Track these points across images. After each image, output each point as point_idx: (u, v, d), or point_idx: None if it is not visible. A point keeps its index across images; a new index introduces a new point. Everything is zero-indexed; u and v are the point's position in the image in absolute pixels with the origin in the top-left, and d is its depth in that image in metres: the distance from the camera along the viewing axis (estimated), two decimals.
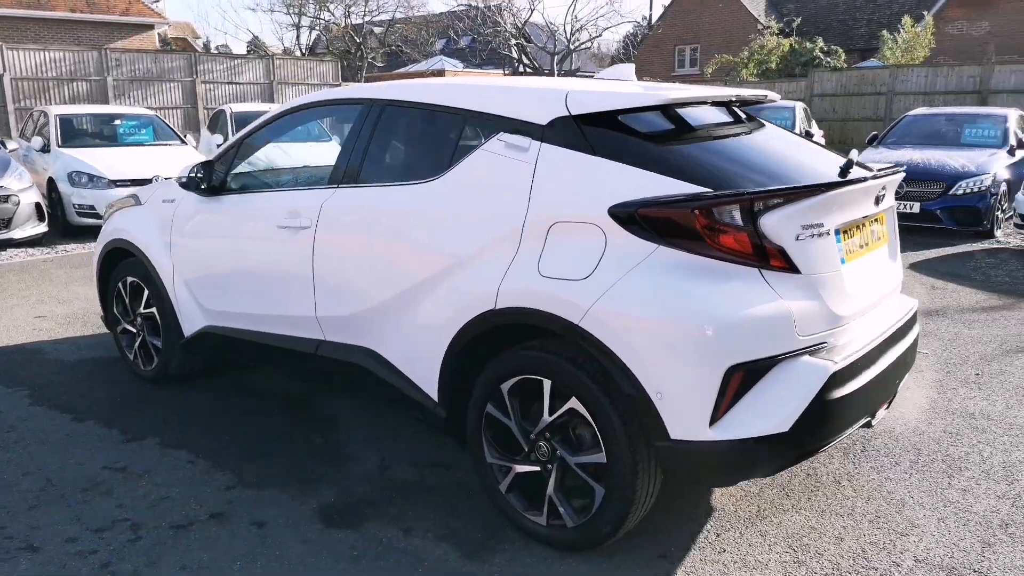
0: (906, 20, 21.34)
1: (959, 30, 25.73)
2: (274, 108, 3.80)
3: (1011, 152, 9.94)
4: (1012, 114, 10.75)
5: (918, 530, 2.85)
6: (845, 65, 21.13)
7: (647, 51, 30.41)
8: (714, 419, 2.34)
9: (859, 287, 2.68)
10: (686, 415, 2.35)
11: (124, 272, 4.39)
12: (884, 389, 2.77)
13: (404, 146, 3.30)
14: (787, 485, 3.18)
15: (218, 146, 11.77)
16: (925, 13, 22.28)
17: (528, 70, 27.55)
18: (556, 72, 26.77)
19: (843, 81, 20.15)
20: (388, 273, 3.06)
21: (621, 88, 2.89)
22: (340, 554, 2.74)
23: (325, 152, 5.27)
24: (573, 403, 2.56)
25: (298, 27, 29.30)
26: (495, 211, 2.74)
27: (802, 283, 2.44)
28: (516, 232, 2.66)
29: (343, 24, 26.93)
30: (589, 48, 29.17)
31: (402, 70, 31.23)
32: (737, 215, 2.36)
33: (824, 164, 2.86)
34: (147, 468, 3.40)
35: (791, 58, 20.89)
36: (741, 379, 2.35)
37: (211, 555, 2.74)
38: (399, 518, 2.98)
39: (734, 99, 3.06)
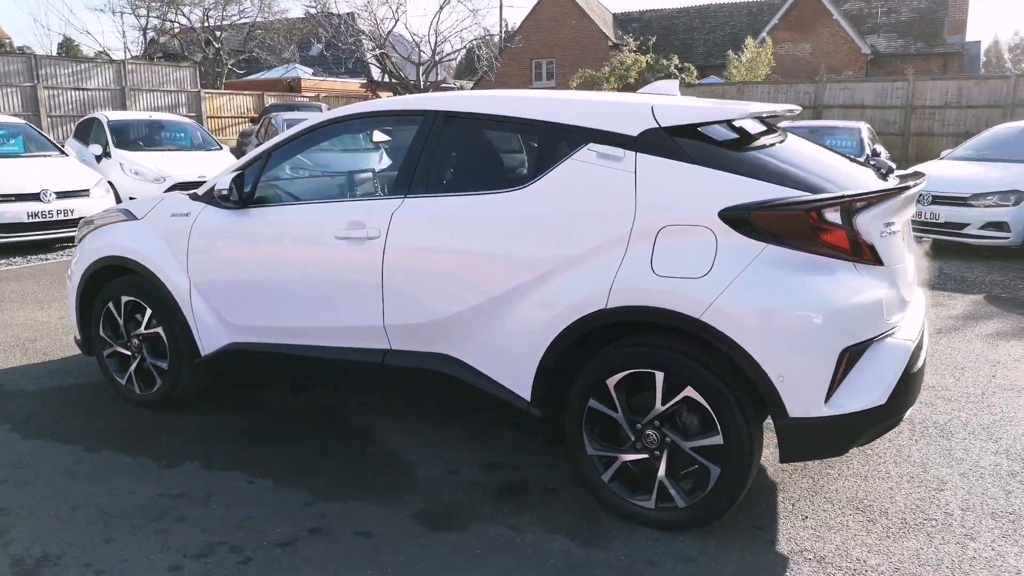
0: (749, 41, 23.36)
1: (786, 51, 28.32)
2: (314, 118, 3.73)
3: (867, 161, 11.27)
4: (864, 127, 12.26)
5: (949, 485, 3.31)
6: (698, 81, 22.79)
7: (506, 64, 31.17)
8: (828, 397, 2.65)
9: (910, 276, 3.10)
10: (805, 395, 2.64)
11: (117, 292, 4.13)
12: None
13: (478, 156, 3.39)
14: (839, 465, 3.57)
15: (98, 157, 11.00)
16: (765, 35, 24.44)
17: (394, 81, 27.43)
18: (423, 84, 26.85)
19: (696, 96, 21.68)
20: (475, 279, 3.15)
21: (696, 102, 3.16)
22: (467, 554, 2.81)
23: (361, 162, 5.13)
24: (688, 391, 2.78)
25: (144, 30, 27.52)
26: (599, 216, 2.92)
27: (884, 274, 2.80)
28: (624, 236, 2.85)
29: (200, 26, 25.61)
30: (454, 60, 29.47)
31: (257, 76, 30.11)
32: (838, 216, 2.69)
33: (860, 170, 3.26)
34: (207, 492, 3.26)
35: (649, 74, 22.24)
36: (848, 360, 2.67)
37: (336, 567, 2.72)
38: (498, 517, 3.07)
39: (788, 112, 3.41)
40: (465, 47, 27.28)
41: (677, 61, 22.14)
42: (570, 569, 2.71)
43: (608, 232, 2.89)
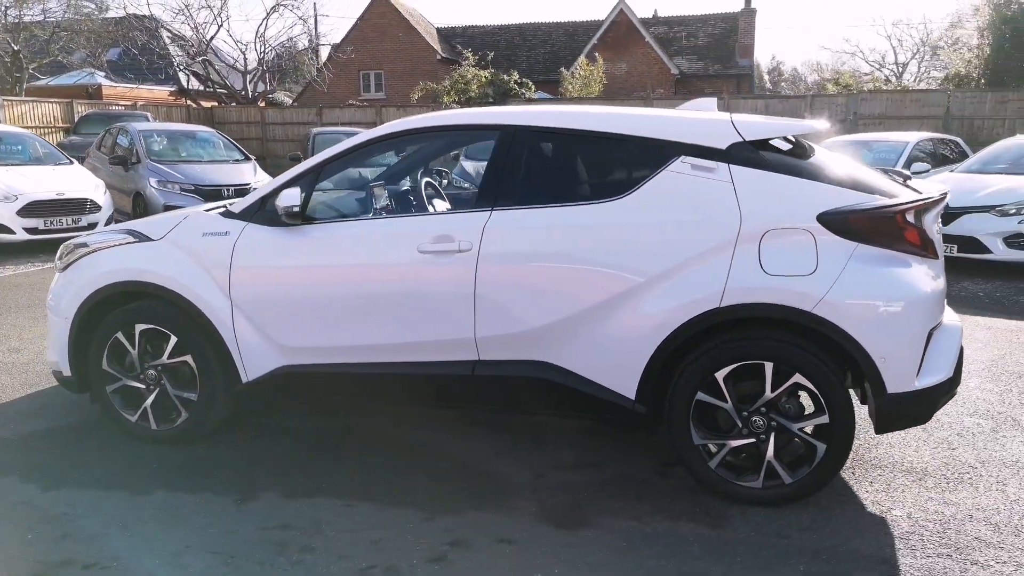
0: (582, 60, 24.69)
1: (606, 70, 30.14)
2: (372, 131, 3.63)
3: None
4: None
5: (956, 445, 3.89)
6: (545, 95, 23.73)
7: (336, 74, 30.54)
8: (918, 373, 3.08)
9: None
10: (901, 373, 3.06)
11: (129, 319, 3.77)
12: None
13: (565, 169, 3.51)
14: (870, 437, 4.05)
15: None
16: (585, 55, 25.89)
17: (218, 89, 25.94)
18: (250, 93, 25.64)
19: None
20: (576, 288, 3.28)
21: (762, 118, 3.50)
22: (614, 547, 2.94)
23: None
24: (797, 378, 3.10)
25: None
26: (704, 223, 3.17)
27: (938, 266, 3.30)
28: (731, 240, 3.13)
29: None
30: (285, 69, 28.37)
31: (48, 82, 27.14)
32: (914, 217, 3.14)
33: (888, 178, 3.71)
34: (312, 520, 3.12)
35: (489, 88, 22.82)
36: (928, 339, 3.13)
37: (500, 573, 2.74)
38: (616, 512, 3.21)
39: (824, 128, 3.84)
40: (292, 54, 26.37)
41: (517, 77, 22.91)
42: (716, 550, 2.92)
43: (715, 237, 3.15)
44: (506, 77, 22.62)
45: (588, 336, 3.30)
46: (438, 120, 3.68)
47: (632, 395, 3.28)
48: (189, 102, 25.50)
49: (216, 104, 25.77)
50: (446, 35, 35.63)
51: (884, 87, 24.39)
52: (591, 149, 3.47)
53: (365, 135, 3.67)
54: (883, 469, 3.61)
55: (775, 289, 3.07)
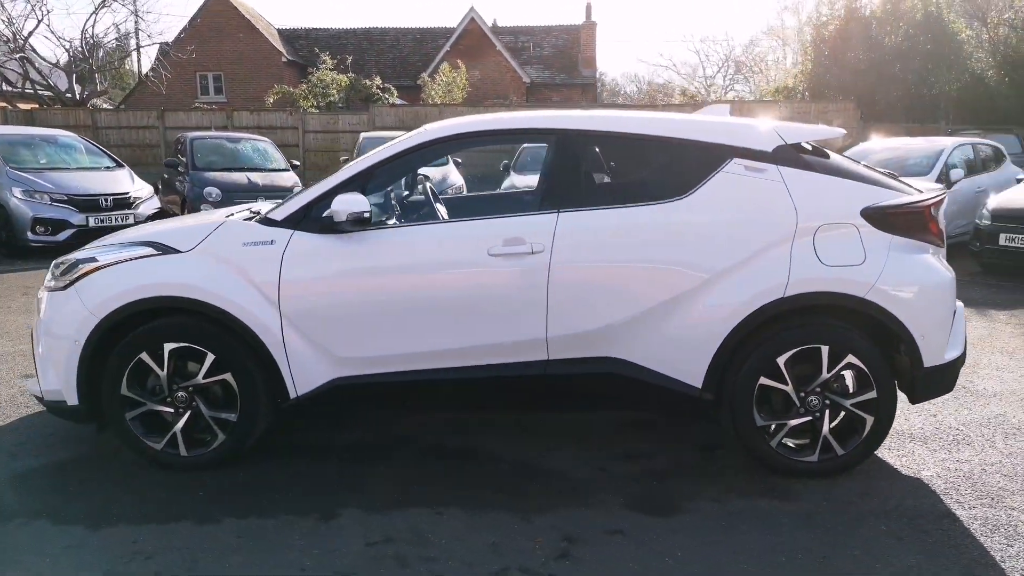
0: (445, 67, 24.74)
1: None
2: (423, 134, 3.55)
3: None
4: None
5: (942, 411, 4.41)
6: (400, 101, 23.50)
7: (172, 75, 28.57)
8: (947, 347, 3.50)
9: None
10: (935, 347, 3.46)
11: (156, 338, 3.47)
12: None
13: (624, 171, 3.63)
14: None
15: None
16: (459, 62, 26.01)
17: (42, 91, 23.48)
18: (78, 94, 23.45)
19: (401, 116, 22.36)
20: (645, 285, 3.42)
21: (799, 124, 3.79)
22: (716, 527, 3.11)
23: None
24: (850, 358, 3.43)
25: None
26: (764, 220, 3.42)
27: (943, 253, 3.75)
28: (789, 235, 3.40)
29: None
30: (119, 68, 26.14)
31: None
32: (935, 211, 3.56)
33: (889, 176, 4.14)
34: (412, 531, 3.05)
35: (351, 93, 22.36)
36: (953, 318, 3.56)
37: (635, 563, 2.84)
38: (695, 496, 3.38)
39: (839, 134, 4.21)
40: (128, 53, 24.42)
41: (380, 82, 22.58)
42: (804, 521, 3.17)
43: (775, 233, 3.41)
44: (368, 82, 22.25)
45: (657, 330, 3.45)
46: (494, 123, 3.70)
47: (699, 383, 3.47)
48: (4, 104, 22.91)
49: (36, 107, 23.35)
50: (289, 37, 34.41)
51: (724, 98, 26.37)
52: (647, 152, 3.63)
53: (415, 138, 3.61)
54: (892, 438, 4.03)
55: (833, 279, 3.37)
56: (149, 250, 3.55)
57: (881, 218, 3.44)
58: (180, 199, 11.54)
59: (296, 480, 3.52)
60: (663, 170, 3.62)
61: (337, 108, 22.11)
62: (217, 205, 10.10)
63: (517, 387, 3.57)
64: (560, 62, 34.19)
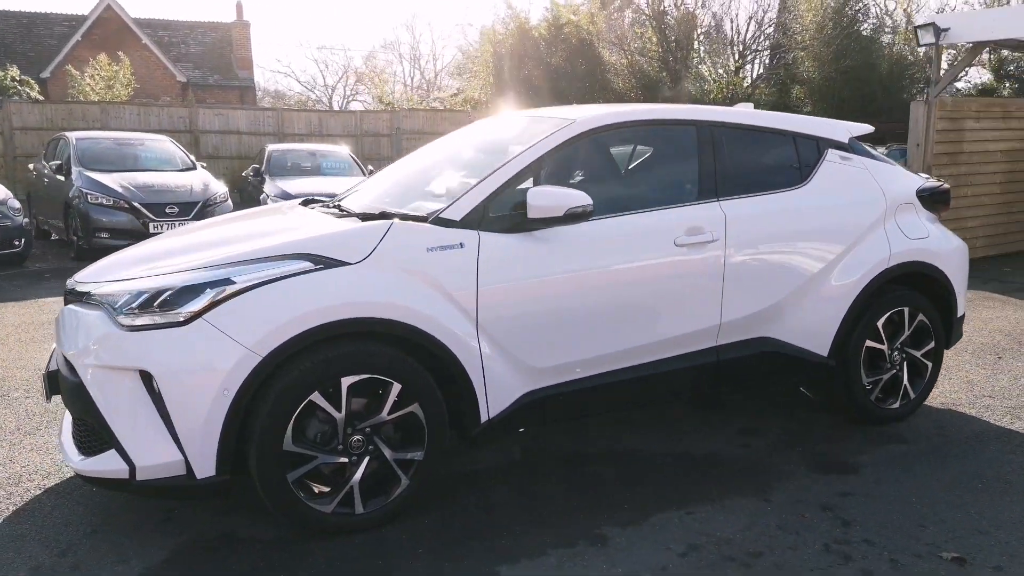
0: (102, 56, 21.17)
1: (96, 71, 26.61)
2: (572, 127, 3.25)
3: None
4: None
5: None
6: (40, 98, 19.60)
7: None
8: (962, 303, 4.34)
9: None
10: (960, 303, 4.26)
11: (333, 372, 2.72)
12: None
13: (752, 161, 3.75)
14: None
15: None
16: (120, 54, 22.37)
17: None
18: None
19: (49, 114, 18.86)
20: (796, 265, 3.67)
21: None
22: (891, 479, 3.46)
23: None
24: (920, 318, 4.06)
25: None
26: (865, 201, 3.89)
27: None
28: (883, 214, 3.92)
29: None
30: None
31: None
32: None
33: None
34: (713, 537, 2.89)
35: None
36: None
37: (885, 514, 3.08)
38: (848, 454, 3.71)
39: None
40: None
41: (17, 73, 18.54)
42: (929, 464, 3.68)
43: (875, 212, 3.91)
44: (2, 73, 18.30)
45: (800, 307, 3.71)
46: (646, 114, 3.65)
47: (827, 352, 3.81)
48: None
49: None
50: None
51: (418, 107, 26.94)
52: (770, 143, 3.84)
53: (566, 131, 3.33)
54: None
55: (917, 250, 3.98)
56: (305, 264, 2.77)
57: (928, 197, 4.15)
58: None
59: (537, 514, 3.05)
60: (784, 159, 3.86)
61: None
62: None
63: (687, 379, 3.55)
64: (211, 61, 31.75)
